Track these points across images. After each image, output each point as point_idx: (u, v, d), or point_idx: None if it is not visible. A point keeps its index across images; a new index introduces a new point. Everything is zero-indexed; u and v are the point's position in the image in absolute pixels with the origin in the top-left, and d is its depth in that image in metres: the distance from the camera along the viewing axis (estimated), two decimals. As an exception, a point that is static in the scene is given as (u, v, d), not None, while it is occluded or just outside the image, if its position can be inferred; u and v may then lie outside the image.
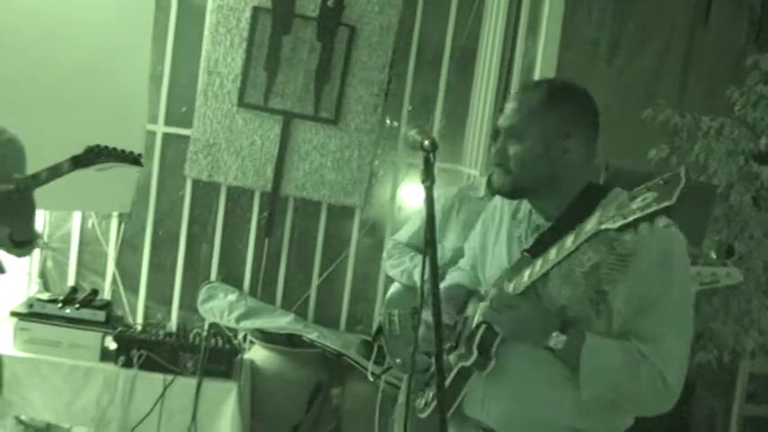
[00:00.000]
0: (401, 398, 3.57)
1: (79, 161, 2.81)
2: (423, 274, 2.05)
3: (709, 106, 4.98)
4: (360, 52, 5.01)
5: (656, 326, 2.04)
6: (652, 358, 2.03)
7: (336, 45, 4.98)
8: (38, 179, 2.77)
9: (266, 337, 4.95)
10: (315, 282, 5.30)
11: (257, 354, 4.92)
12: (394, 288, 3.85)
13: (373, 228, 5.35)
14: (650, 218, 1.70)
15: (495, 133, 2.22)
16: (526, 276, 2.13)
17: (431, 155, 2.08)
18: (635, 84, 5.23)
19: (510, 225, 2.37)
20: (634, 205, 1.75)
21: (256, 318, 5.00)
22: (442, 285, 2.44)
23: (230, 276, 5.24)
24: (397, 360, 3.59)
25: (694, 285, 3.57)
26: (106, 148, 2.86)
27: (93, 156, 2.83)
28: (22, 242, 2.88)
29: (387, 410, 4.13)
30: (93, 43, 4.66)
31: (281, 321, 5.00)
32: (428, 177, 2.06)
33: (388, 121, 5.29)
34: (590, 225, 1.90)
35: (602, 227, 1.83)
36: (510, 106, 2.22)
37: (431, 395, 2.40)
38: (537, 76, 4.66)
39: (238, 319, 4.97)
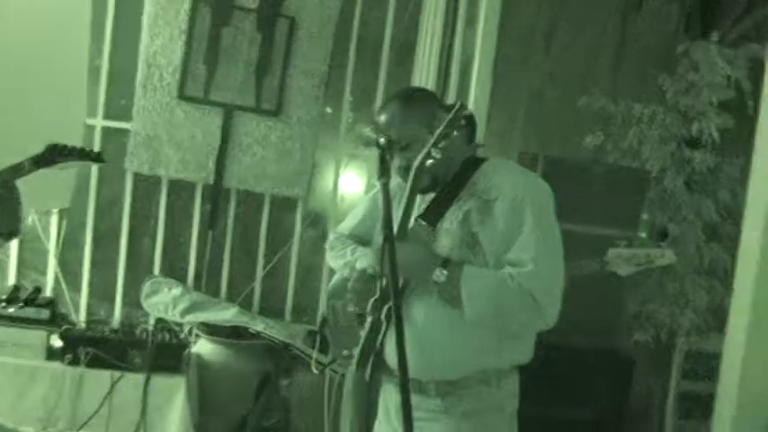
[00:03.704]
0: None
1: (40, 161, 2.79)
2: (381, 270, 2.25)
3: (643, 93, 5.12)
4: (300, 44, 5.02)
5: (519, 254, 2.36)
6: (518, 278, 2.33)
7: (277, 36, 4.99)
8: (6, 174, 2.74)
9: (212, 330, 4.94)
10: (259, 273, 5.31)
11: (203, 347, 4.91)
12: (336, 279, 3.88)
13: (316, 218, 5.39)
14: (434, 144, 2.31)
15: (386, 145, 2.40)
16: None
17: (386, 153, 2.17)
18: (570, 72, 5.33)
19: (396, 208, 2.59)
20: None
21: (201, 311, 4.99)
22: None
23: (174, 270, 5.21)
24: (344, 351, 3.62)
25: (630, 267, 3.70)
26: (65, 147, 2.85)
27: (55, 155, 2.82)
28: (9, 233, 2.84)
29: (336, 399, 4.16)
30: (29, 35, 4.62)
31: (227, 314, 4.99)
32: (384, 175, 2.18)
33: (328, 110, 5.32)
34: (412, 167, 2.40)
35: (416, 165, 2.37)
36: (382, 123, 2.49)
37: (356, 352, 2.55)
38: (476, 64, 4.74)
39: (183, 313, 4.95)
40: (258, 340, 4.86)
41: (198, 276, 5.23)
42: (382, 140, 2.27)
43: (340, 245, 3.48)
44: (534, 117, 5.30)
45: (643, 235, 4.81)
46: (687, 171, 4.89)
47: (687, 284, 4.82)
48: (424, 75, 5.10)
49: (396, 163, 2.48)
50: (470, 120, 3.77)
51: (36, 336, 4.41)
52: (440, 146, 2.32)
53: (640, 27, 5.41)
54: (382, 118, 2.51)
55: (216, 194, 5.09)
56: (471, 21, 4.86)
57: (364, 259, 2.66)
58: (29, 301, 4.51)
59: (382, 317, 2.41)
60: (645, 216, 4.78)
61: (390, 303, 2.40)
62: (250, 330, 4.86)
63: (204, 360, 4.82)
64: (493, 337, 2.45)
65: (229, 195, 5.21)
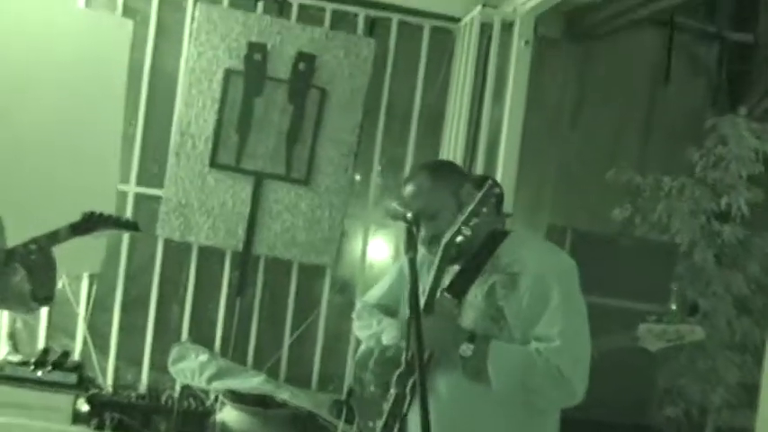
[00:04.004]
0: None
1: (77, 228, 2.84)
2: (408, 343, 2.25)
3: (670, 166, 5.13)
4: (330, 114, 5.11)
5: (546, 330, 2.33)
6: (545, 354, 2.30)
7: (307, 107, 5.08)
8: (43, 241, 2.79)
9: (238, 397, 4.92)
10: (286, 341, 5.31)
11: (229, 415, 4.89)
12: (362, 349, 3.87)
13: (344, 286, 5.40)
14: (465, 222, 2.34)
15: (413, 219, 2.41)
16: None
17: (414, 227, 2.18)
18: (597, 145, 5.37)
19: (424, 280, 2.57)
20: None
21: (228, 378, 4.98)
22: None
23: (201, 337, 5.23)
24: (369, 423, 3.60)
25: (660, 342, 3.66)
26: (101, 215, 2.89)
27: (92, 223, 2.86)
28: (44, 298, 2.88)
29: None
30: (66, 103, 4.74)
31: (253, 382, 4.98)
32: (410, 248, 2.19)
33: (357, 179, 5.37)
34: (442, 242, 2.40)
35: (445, 240, 2.38)
36: (407, 196, 2.50)
37: (380, 425, 2.53)
38: (503, 137, 4.79)
39: (209, 380, 4.94)
40: (284, 409, 4.84)
41: (225, 343, 5.24)
42: (409, 215, 2.27)
43: (366, 315, 3.49)
44: (563, 190, 5.31)
45: (673, 307, 4.77)
46: (717, 244, 4.87)
47: (718, 360, 4.76)
48: (452, 145, 5.15)
49: (422, 233, 2.46)
50: (498, 193, 3.80)
51: (63, 400, 4.45)
52: (470, 224, 2.34)
53: (668, 101, 5.44)
54: (409, 188, 2.51)
55: (245, 261, 5.13)
56: (499, 93, 4.92)
57: (390, 331, 2.66)
58: (57, 365, 4.54)
59: (407, 390, 2.40)
60: (675, 289, 4.74)
61: (415, 377, 2.41)
62: (276, 399, 4.85)
63: (229, 428, 4.79)
64: (519, 412, 2.42)
65: (258, 262, 5.25)
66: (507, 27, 4.95)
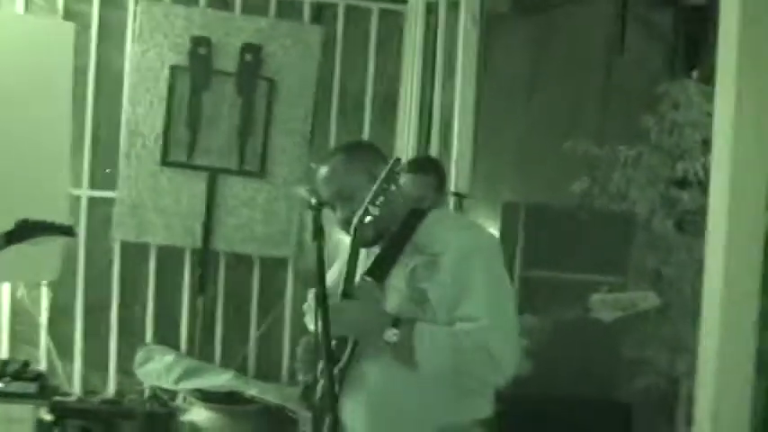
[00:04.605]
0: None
1: (12, 237, 2.81)
2: (315, 330, 2.20)
3: (629, 136, 5.07)
4: (281, 104, 5.07)
5: (471, 310, 2.28)
6: (472, 334, 2.25)
7: (257, 98, 5.03)
8: None
9: (206, 396, 4.90)
10: (253, 336, 5.27)
11: (198, 414, 4.86)
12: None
13: (308, 277, 5.33)
14: (371, 201, 2.29)
15: (329, 205, 2.43)
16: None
17: (319, 213, 2.14)
18: (554, 119, 5.31)
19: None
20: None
21: (195, 378, 4.96)
22: None
23: (166, 337, 5.19)
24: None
25: (614, 312, 3.62)
26: (36, 222, 2.86)
27: (26, 231, 2.84)
28: None
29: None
30: (12, 110, 4.65)
31: (221, 379, 4.95)
32: (317, 236, 2.14)
33: (313, 167, 5.30)
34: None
35: (355, 221, 2.34)
36: (321, 178, 2.48)
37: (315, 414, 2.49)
38: (456, 117, 4.73)
39: (177, 381, 4.92)
40: (253, 404, 4.81)
41: (191, 342, 5.20)
42: (314, 201, 2.22)
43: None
44: (520, 165, 5.25)
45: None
46: (677, 212, 4.81)
47: (683, 327, 4.71)
48: (406, 128, 5.10)
49: (338, 216, 2.45)
50: (438, 169, 3.76)
51: (24, 410, 4.39)
52: (377, 203, 2.29)
53: (624, 69, 5.37)
54: (323, 171, 2.48)
55: (204, 259, 5.08)
56: (450, 73, 4.86)
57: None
58: (16, 376, 4.48)
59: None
60: (634, 261, 4.70)
61: (340, 365, 2.37)
62: (245, 395, 4.81)
63: (199, 427, 4.77)
64: (449, 393, 2.38)
65: (218, 259, 5.20)
66: (453, 5, 4.89)
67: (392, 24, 5.37)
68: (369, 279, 2.40)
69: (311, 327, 3.30)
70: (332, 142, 5.32)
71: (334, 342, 2.33)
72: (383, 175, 2.30)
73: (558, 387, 4.10)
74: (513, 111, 5.34)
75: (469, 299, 2.30)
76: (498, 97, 5.24)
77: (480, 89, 4.82)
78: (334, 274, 2.90)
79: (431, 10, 5.04)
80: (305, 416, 2.61)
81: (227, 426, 4.81)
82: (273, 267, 5.29)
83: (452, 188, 4.34)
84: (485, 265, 2.36)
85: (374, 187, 2.30)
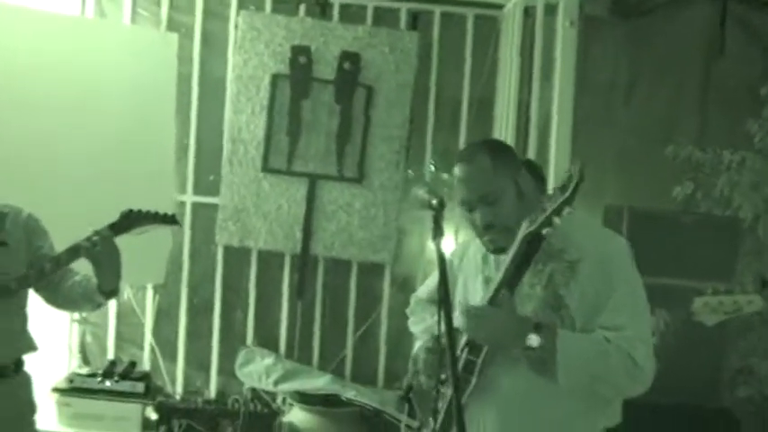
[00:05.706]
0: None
1: (117, 227, 2.87)
2: (438, 330, 2.13)
3: (730, 139, 4.97)
4: (378, 111, 5.11)
5: (613, 318, 2.26)
6: (617, 342, 2.22)
7: (355, 105, 5.09)
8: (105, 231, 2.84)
9: (305, 398, 4.97)
10: (350, 340, 5.33)
11: (296, 416, 4.94)
12: (418, 344, 3.85)
13: (404, 283, 5.37)
14: (556, 212, 2.18)
15: (467, 206, 2.38)
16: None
17: (439, 213, 2.14)
18: (654, 123, 5.23)
19: (482, 269, 2.53)
20: (546, 207, 2.21)
21: (294, 380, 5.04)
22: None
23: (266, 340, 5.29)
24: (430, 418, 3.58)
25: (717, 316, 3.54)
26: (140, 211, 2.92)
27: (130, 220, 2.90)
28: (110, 291, 2.93)
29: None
30: (119, 120, 4.83)
31: (319, 382, 5.03)
32: (438, 235, 2.13)
33: (410, 173, 5.35)
34: (519, 234, 2.27)
35: (526, 231, 2.24)
36: (465, 178, 2.39)
37: (437, 422, 2.46)
38: (554, 121, 4.71)
39: (276, 382, 5.01)
40: (350, 407, 4.86)
41: (290, 345, 5.29)
42: (434, 201, 2.16)
43: (419, 310, 3.46)
44: (621, 170, 5.18)
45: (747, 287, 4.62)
46: (782, 216, 4.70)
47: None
48: (503, 133, 5.09)
49: (478, 219, 2.37)
50: (538, 173, 3.72)
51: (132, 409, 4.54)
52: (563, 213, 2.20)
53: (724, 73, 5.26)
54: (467, 168, 2.39)
55: (304, 263, 5.16)
56: (548, 77, 4.84)
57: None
58: (124, 375, 4.63)
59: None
60: (741, 267, 4.59)
61: (450, 370, 2.34)
62: (342, 398, 4.87)
63: (297, 429, 4.84)
64: (581, 403, 2.34)
65: (317, 263, 5.27)
66: (551, 9, 4.87)
67: (487, 30, 5.36)
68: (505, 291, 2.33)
69: (415, 330, 3.32)
70: (429, 148, 5.35)
71: (462, 347, 2.35)
72: (572, 186, 2.20)
73: (661, 394, 4.04)
74: (612, 114, 5.29)
75: (613, 307, 2.28)
76: (596, 101, 5.20)
77: (578, 93, 4.78)
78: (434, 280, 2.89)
79: (528, 14, 5.03)
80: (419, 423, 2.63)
81: (324, 427, 4.87)
82: (371, 272, 5.34)
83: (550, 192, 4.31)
84: (625, 271, 2.33)
85: (560, 199, 2.20)
